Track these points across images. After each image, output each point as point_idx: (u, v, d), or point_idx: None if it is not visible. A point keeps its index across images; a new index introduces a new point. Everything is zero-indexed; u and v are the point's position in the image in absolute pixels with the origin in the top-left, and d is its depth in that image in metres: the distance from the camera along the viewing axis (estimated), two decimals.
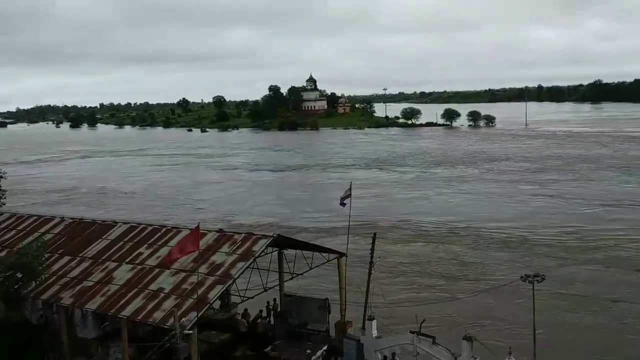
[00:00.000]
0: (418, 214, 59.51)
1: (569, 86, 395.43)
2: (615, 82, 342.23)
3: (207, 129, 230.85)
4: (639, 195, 63.55)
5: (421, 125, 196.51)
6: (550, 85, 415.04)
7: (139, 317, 19.87)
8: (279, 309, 26.89)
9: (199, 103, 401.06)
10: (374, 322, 23.75)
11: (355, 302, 26.91)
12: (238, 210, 65.74)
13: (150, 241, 24.24)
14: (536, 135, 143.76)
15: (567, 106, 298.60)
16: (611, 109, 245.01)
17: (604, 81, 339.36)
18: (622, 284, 37.01)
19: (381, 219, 57.03)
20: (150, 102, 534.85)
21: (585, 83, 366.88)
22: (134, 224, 26.35)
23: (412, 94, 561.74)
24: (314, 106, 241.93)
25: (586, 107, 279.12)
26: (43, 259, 22.50)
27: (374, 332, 23.66)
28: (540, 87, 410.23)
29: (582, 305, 33.63)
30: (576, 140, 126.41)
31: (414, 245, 48.38)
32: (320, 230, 52.61)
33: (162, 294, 20.50)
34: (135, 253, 23.66)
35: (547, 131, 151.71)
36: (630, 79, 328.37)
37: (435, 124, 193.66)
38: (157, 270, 22.03)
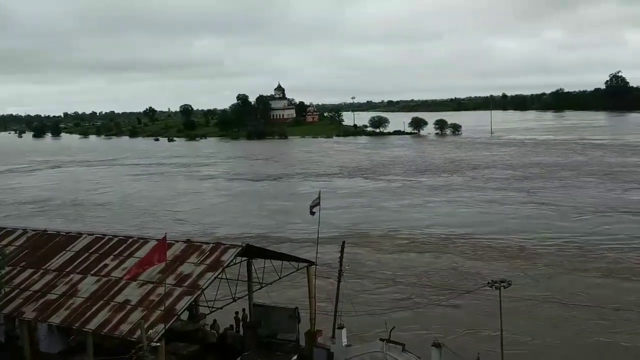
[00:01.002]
0: (409, 223, 58.27)
1: (532, 95, 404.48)
2: (577, 91, 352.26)
3: (175, 139, 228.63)
4: (630, 202, 63.45)
5: (389, 133, 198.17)
6: (514, 94, 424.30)
7: (105, 330, 19.48)
8: (248, 319, 26.67)
9: (166, 112, 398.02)
10: (344, 331, 23.74)
11: (325, 311, 26.93)
12: (220, 221, 63.62)
13: (116, 252, 23.83)
14: (506, 143, 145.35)
15: (531, 114, 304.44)
16: (573, 117, 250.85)
17: (566, 90, 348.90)
18: (624, 292, 36.21)
19: (372, 229, 55.99)
20: (116, 111, 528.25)
21: (548, 92, 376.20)
22: (100, 235, 25.87)
23: (379, 102, 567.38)
24: (283, 115, 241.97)
25: (549, 115, 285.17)
26: (4, 272, 21.91)
27: (344, 341, 23.64)
28: (504, 96, 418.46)
29: (570, 314, 33.14)
30: (548, 148, 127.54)
31: (407, 255, 47.20)
32: (307, 241, 50.54)
33: (129, 306, 20.14)
34: (101, 265, 23.22)
35: (514, 139, 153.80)
36: (590, 88, 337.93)
37: (403, 133, 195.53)
38: (123, 281, 21.63)
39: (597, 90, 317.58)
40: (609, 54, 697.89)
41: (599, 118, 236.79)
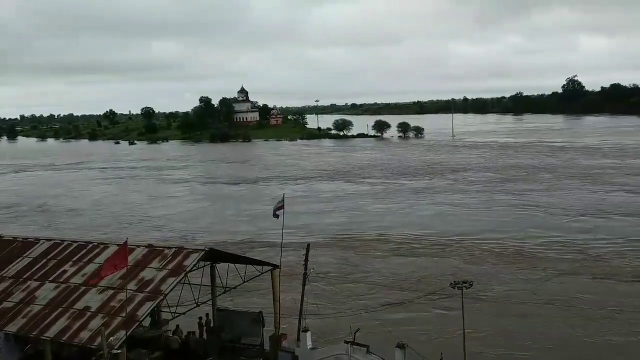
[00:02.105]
0: (398, 227, 57.48)
1: (492, 99, 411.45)
2: (535, 94, 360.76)
3: (136, 142, 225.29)
4: (616, 204, 63.94)
5: (353, 136, 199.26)
6: (475, 97, 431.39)
7: (64, 338, 19.00)
8: (212, 325, 26.41)
9: (127, 115, 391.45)
10: (309, 334, 23.72)
11: (290, 315, 26.84)
12: (199, 227, 61.88)
13: (75, 258, 23.29)
14: (473, 146, 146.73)
15: (492, 118, 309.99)
16: (533, 121, 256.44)
17: (525, 94, 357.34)
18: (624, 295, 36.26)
19: (360, 234, 55.47)
20: (75, 114, 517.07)
21: (507, 96, 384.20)
22: (58, 241, 25.25)
23: (343, 105, 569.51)
24: (246, 118, 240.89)
25: (509, 119, 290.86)
26: None
27: (309, 344, 23.62)
28: (466, 100, 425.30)
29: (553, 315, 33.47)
30: (517, 150, 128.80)
31: (394, 259, 46.41)
32: (291, 245, 48.28)
33: (89, 313, 19.70)
34: (60, 271, 22.65)
35: (477, 142, 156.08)
36: (548, 92, 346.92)
37: (367, 136, 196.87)
38: (83, 288, 21.16)
39: (554, 94, 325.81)
40: (564, 59, 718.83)
41: (558, 121, 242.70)
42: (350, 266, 45.00)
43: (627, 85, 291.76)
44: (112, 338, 17.65)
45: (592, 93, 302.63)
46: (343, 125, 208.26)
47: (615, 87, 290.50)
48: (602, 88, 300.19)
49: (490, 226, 56.50)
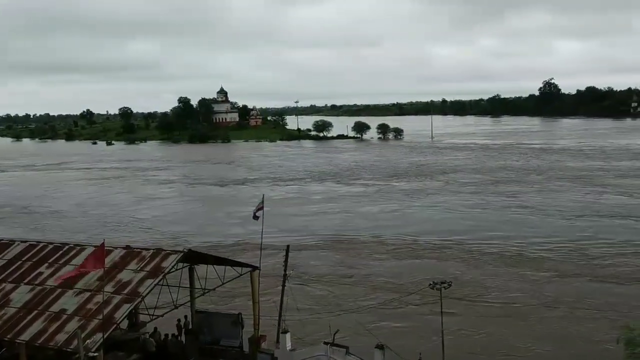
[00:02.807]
0: (393, 229, 56.96)
1: (470, 100, 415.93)
2: (513, 97, 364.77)
3: (114, 142, 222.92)
4: (610, 206, 64.22)
5: (333, 137, 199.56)
6: (453, 99, 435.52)
7: (40, 341, 18.71)
8: (190, 326, 26.22)
9: (104, 115, 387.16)
10: (288, 335, 23.68)
11: (269, 316, 26.77)
12: (189, 229, 60.36)
13: (51, 260, 22.94)
14: (454, 147, 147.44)
15: (470, 119, 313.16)
16: (510, 122, 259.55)
17: (502, 96, 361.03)
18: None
19: (355, 236, 54.88)
20: (51, 114, 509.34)
21: (485, 98, 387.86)
22: (34, 242, 24.87)
23: (323, 106, 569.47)
24: (226, 118, 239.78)
25: (487, 121, 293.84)
26: None
27: (288, 345, 23.58)
28: (444, 101, 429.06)
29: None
30: (501, 152, 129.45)
31: (388, 262, 45.97)
32: (283, 248, 50.06)
33: (65, 316, 19.43)
34: (35, 273, 22.29)
35: (456, 143, 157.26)
36: (525, 94, 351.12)
37: (347, 137, 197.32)
38: (59, 290, 20.85)
39: (531, 96, 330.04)
40: (540, 62, 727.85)
41: (535, 123, 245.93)
42: (339, 268, 44.86)
43: (602, 88, 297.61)
44: (88, 341, 17.43)
45: (568, 95, 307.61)
46: (322, 126, 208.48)
47: (590, 90, 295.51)
48: (578, 91, 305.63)
49: (488, 228, 56.09)
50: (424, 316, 32.64)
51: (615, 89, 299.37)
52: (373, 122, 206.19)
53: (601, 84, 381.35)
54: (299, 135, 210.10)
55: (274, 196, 79.66)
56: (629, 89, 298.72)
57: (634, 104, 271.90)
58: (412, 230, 56.35)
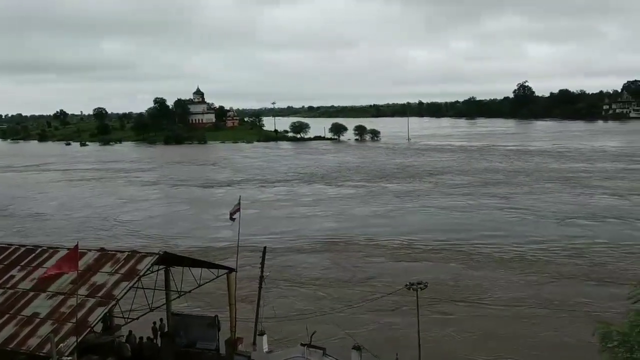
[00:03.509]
0: (387, 231, 56.23)
1: (446, 102, 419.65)
2: (488, 99, 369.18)
3: (88, 143, 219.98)
4: (604, 208, 64.37)
5: (310, 139, 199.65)
6: (429, 101, 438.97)
7: (11, 346, 18.34)
8: (165, 329, 26.00)
9: (78, 115, 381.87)
10: (265, 337, 23.65)
11: (246, 318, 26.69)
12: (176, 232, 58.72)
13: (23, 263, 22.53)
14: (436, 149, 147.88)
15: (446, 121, 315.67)
16: (486, 124, 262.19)
17: (478, 98, 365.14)
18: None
19: (351, 237, 54.18)
20: (23, 114, 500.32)
21: (461, 100, 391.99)
22: (5, 245, 24.40)
23: (300, 108, 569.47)
24: (202, 119, 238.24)
25: (463, 123, 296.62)
26: None
27: (265, 347, 23.54)
28: (420, 103, 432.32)
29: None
30: (483, 154, 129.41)
31: (379, 265, 45.29)
32: (276, 250, 48.16)
33: (38, 319, 19.10)
34: (7, 276, 21.86)
35: (438, 145, 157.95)
36: (500, 97, 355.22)
37: (324, 138, 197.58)
38: (31, 294, 20.49)
39: (506, 98, 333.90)
40: (514, 65, 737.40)
41: (510, 125, 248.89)
42: (329, 270, 44.45)
43: (574, 91, 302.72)
44: (61, 345, 17.16)
45: (542, 98, 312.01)
46: (300, 128, 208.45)
47: (563, 93, 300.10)
48: (551, 93, 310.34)
49: (484, 230, 55.77)
50: (403, 317, 32.68)
51: (587, 92, 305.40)
52: (350, 123, 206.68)
53: (574, 87, 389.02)
54: (276, 136, 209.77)
55: (262, 198, 79.13)
56: (601, 92, 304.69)
57: (605, 107, 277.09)
58: (406, 232, 55.69)
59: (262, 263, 26.25)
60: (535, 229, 55.77)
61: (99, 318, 19.20)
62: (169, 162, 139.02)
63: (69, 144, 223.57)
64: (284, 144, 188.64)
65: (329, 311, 32.86)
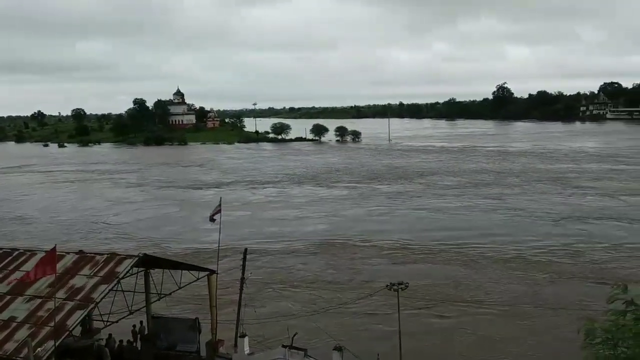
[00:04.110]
0: (383, 232, 55.71)
1: (427, 104, 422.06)
2: (467, 100, 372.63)
3: (66, 144, 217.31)
4: (597, 208, 64.18)
5: (291, 140, 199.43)
6: (410, 102, 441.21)
7: None
8: (146, 332, 25.76)
9: (56, 116, 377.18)
10: (246, 339, 23.54)
11: (227, 320, 26.54)
12: (168, 235, 56.93)
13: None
14: (417, 150, 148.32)
15: (426, 123, 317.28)
16: (466, 125, 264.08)
17: (458, 99, 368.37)
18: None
19: (346, 239, 53.35)
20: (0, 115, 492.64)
21: (441, 101, 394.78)
22: None
23: (281, 109, 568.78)
24: (182, 120, 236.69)
25: (443, 124, 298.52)
26: None
27: (246, 349, 23.44)
28: (401, 105, 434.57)
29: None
30: (468, 155, 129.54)
31: (369, 267, 44.74)
32: (270, 252, 48.40)
33: (15, 323, 18.81)
34: None
35: (420, 146, 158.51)
36: (480, 98, 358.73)
37: (305, 139, 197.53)
38: (8, 297, 20.19)
39: (485, 100, 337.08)
40: (493, 66, 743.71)
41: (489, 126, 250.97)
42: (323, 272, 44.06)
43: (552, 93, 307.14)
44: (39, 349, 16.93)
45: (520, 99, 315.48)
46: (281, 129, 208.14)
47: (541, 94, 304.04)
48: (530, 95, 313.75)
49: (481, 231, 55.38)
50: (385, 318, 32.72)
51: (565, 94, 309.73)
52: (331, 124, 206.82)
53: (552, 88, 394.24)
54: (257, 137, 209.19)
55: (254, 200, 78.26)
56: (578, 93, 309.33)
57: (582, 108, 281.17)
58: (402, 233, 55.19)
59: (243, 265, 26.15)
60: (532, 229, 55.56)
61: (77, 321, 18.98)
62: (153, 163, 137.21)
63: (46, 145, 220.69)
64: (266, 145, 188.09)
65: (311, 312, 32.80)
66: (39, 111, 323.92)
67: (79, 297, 19.58)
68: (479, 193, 77.47)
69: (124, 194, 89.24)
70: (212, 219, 26.50)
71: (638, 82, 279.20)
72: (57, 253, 18.86)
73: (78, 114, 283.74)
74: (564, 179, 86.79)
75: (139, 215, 69.94)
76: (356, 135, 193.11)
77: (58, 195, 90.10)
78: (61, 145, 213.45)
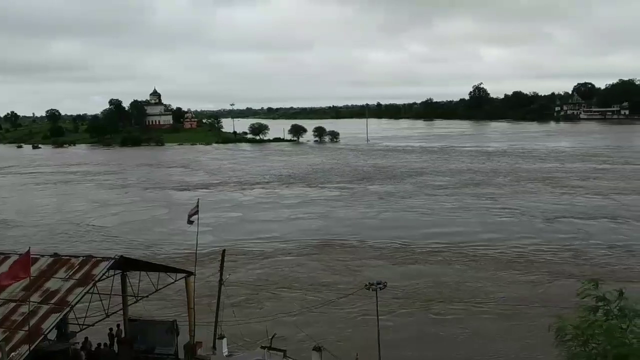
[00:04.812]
0: (379, 233, 54.86)
1: (404, 104, 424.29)
2: (444, 101, 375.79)
3: (40, 145, 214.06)
4: (594, 207, 63.90)
5: (269, 140, 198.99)
6: (388, 103, 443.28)
7: None
8: (123, 335, 25.51)
9: (30, 117, 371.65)
10: (225, 341, 23.48)
11: (206, 322, 26.39)
12: (160, 239, 55.23)
13: None
14: (398, 150, 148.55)
15: (404, 123, 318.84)
16: (443, 126, 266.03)
17: (435, 100, 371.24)
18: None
19: (342, 240, 52.45)
20: None
21: (418, 102, 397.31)
22: None
23: (259, 109, 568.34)
24: (159, 121, 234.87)
25: (421, 124, 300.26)
26: None
27: (225, 351, 23.37)
28: (379, 105, 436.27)
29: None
30: (451, 155, 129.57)
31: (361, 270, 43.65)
32: (277, 253, 47.62)
33: None
34: None
35: (400, 146, 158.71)
36: (456, 99, 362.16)
37: (283, 140, 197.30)
38: None
39: (462, 100, 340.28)
40: (469, 67, 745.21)
41: (466, 127, 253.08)
42: (313, 273, 43.50)
43: (527, 93, 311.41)
44: (13, 353, 16.69)
45: (496, 100, 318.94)
46: (259, 129, 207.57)
47: (517, 95, 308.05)
48: (505, 95, 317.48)
49: (479, 230, 55.05)
50: (364, 317, 32.73)
51: (540, 94, 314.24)
52: (309, 125, 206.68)
53: (527, 88, 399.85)
54: (235, 138, 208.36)
55: (245, 201, 77.17)
56: (552, 94, 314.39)
57: (557, 109, 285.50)
58: (399, 233, 54.45)
59: (221, 266, 26.03)
60: (529, 229, 55.18)
61: (52, 325, 18.73)
62: (135, 164, 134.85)
63: (20, 147, 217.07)
64: (244, 146, 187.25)
65: (291, 313, 32.77)
66: (13, 112, 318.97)
67: (54, 300, 19.32)
68: (470, 193, 77.29)
69: (109, 195, 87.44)
70: (189, 221, 26.33)
71: (611, 83, 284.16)
72: (32, 256, 18.59)
73: (53, 115, 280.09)
74: (553, 179, 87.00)
75: (126, 217, 68.24)
76: (334, 135, 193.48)
77: (40, 197, 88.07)
78: (35, 147, 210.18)
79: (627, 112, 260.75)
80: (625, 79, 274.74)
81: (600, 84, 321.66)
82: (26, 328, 17.72)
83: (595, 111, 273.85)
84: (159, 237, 56.73)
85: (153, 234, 58.10)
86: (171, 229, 59.72)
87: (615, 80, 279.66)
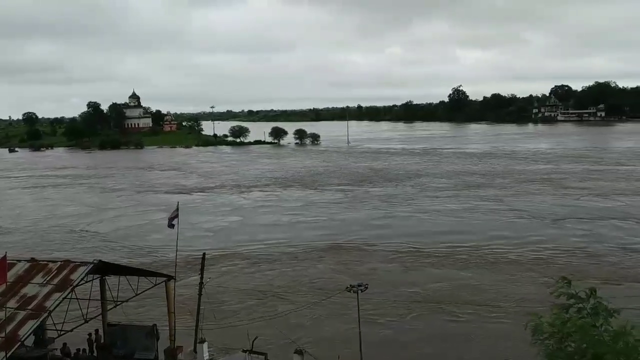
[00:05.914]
0: (387, 235, 54.01)
1: (384, 106, 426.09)
2: (424, 103, 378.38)
3: (17, 149, 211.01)
4: (598, 209, 63.56)
5: (250, 143, 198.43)
6: (368, 105, 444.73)
7: None
8: (102, 340, 25.25)
9: (6, 120, 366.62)
10: (205, 345, 23.35)
11: (186, 326, 26.25)
12: (160, 244, 52.84)
13: None
14: (381, 152, 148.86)
15: (385, 125, 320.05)
16: (424, 128, 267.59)
17: (415, 102, 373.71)
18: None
19: (350, 243, 51.57)
20: None
21: (398, 104, 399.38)
22: None
23: (240, 112, 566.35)
24: (138, 124, 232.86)
25: (401, 126, 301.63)
26: None
27: (206, 355, 23.25)
28: (359, 107, 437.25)
29: None
30: (443, 157, 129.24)
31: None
32: (268, 259, 46.68)
33: None
34: None
35: (382, 148, 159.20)
36: (436, 101, 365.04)
37: (264, 142, 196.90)
38: None
39: (442, 102, 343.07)
40: (447, 70, 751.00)
41: (446, 129, 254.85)
42: (315, 279, 42.56)
43: (506, 95, 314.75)
44: None
45: (475, 102, 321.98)
46: (239, 132, 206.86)
47: (495, 97, 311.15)
48: (484, 97, 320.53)
49: (490, 232, 54.34)
50: (346, 319, 32.69)
51: (518, 96, 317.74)
52: (290, 127, 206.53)
53: (505, 91, 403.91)
54: (216, 140, 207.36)
55: (244, 204, 76.01)
56: (530, 96, 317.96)
57: (534, 111, 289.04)
58: (408, 236, 53.53)
59: (202, 270, 25.90)
60: (539, 230, 54.58)
61: (29, 331, 18.49)
62: (125, 167, 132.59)
63: None
64: (225, 148, 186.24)
65: (274, 316, 32.51)
66: None
67: (31, 306, 19.06)
68: (473, 194, 76.45)
69: (103, 199, 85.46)
70: (170, 225, 26.15)
71: (587, 85, 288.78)
72: (8, 261, 18.32)
73: (29, 118, 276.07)
74: (551, 180, 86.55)
75: (123, 222, 66.39)
76: (315, 138, 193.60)
77: (31, 201, 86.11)
78: (12, 150, 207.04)
79: (603, 113, 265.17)
80: (601, 81, 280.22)
81: (577, 86, 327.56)
82: (2, 334, 17.45)
83: (572, 113, 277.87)
84: (158, 242, 54.09)
85: (151, 240, 56.20)
86: (168, 234, 56.22)
87: (591, 83, 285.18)
